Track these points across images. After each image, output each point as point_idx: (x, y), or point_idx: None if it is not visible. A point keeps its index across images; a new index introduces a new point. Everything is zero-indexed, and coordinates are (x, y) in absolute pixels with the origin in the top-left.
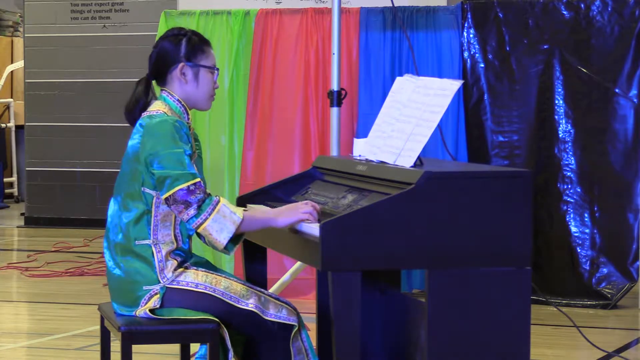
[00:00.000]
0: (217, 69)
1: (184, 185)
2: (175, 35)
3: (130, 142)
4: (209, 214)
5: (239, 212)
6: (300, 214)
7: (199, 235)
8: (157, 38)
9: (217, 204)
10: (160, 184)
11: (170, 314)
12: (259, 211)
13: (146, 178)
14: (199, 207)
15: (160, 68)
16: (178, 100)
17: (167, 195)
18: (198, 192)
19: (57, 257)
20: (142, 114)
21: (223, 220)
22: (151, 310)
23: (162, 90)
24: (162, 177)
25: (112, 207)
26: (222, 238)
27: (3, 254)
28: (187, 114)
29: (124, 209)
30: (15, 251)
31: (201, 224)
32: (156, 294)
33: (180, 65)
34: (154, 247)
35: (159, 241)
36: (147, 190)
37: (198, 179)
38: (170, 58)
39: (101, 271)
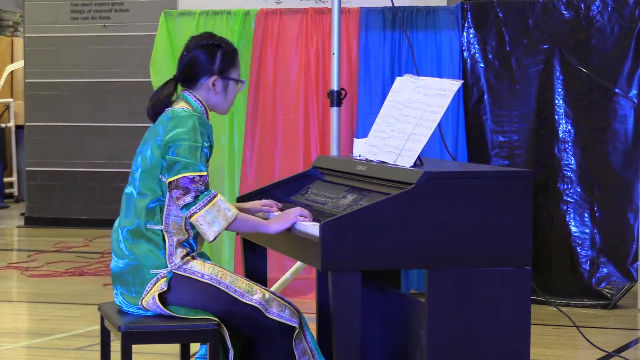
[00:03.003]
0: (243, 81)
1: (190, 174)
2: (211, 45)
3: (156, 140)
4: (204, 205)
5: (234, 210)
6: (292, 218)
7: None
8: (156, 38)
9: (214, 197)
10: (169, 168)
11: (174, 311)
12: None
13: (163, 166)
14: (196, 197)
15: (191, 74)
16: (199, 100)
17: (171, 179)
18: (201, 183)
19: (57, 257)
20: (166, 109)
21: (216, 214)
22: (159, 295)
23: (184, 89)
24: (172, 162)
25: (126, 198)
26: (212, 231)
27: (3, 254)
28: (207, 115)
29: (140, 195)
30: (15, 251)
31: (195, 212)
32: (163, 277)
33: (214, 78)
34: (165, 232)
35: (171, 228)
36: (163, 179)
37: (205, 173)
38: (204, 68)
39: (101, 271)
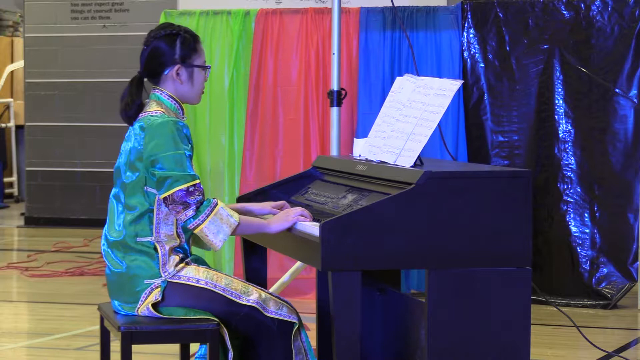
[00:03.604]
0: (209, 67)
1: (184, 186)
2: (169, 35)
3: (130, 145)
4: (207, 216)
5: (236, 215)
6: (292, 218)
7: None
8: None
9: (215, 206)
10: (160, 184)
11: (171, 314)
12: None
13: (148, 178)
14: (197, 209)
15: (154, 67)
16: (171, 97)
17: (165, 195)
18: (197, 193)
19: (57, 257)
20: (140, 115)
21: (220, 223)
22: (153, 305)
23: (153, 88)
24: (162, 178)
25: (113, 205)
26: (218, 240)
27: (3, 254)
28: (182, 110)
29: (126, 208)
30: (15, 251)
31: (198, 225)
32: (157, 287)
33: (177, 67)
34: (156, 242)
35: (162, 237)
36: (150, 189)
37: (197, 181)
38: (165, 59)
39: (101, 271)
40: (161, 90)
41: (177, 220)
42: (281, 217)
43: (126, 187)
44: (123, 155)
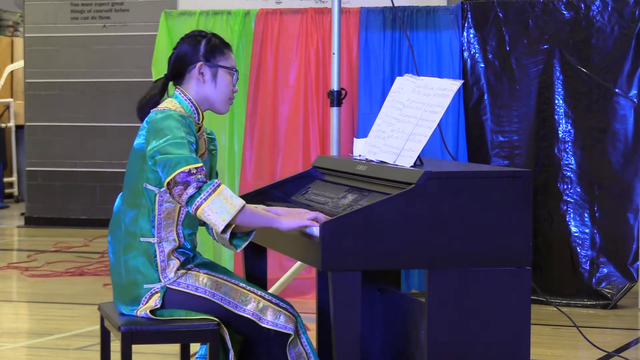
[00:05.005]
0: (237, 71)
1: (185, 168)
2: (195, 36)
3: (136, 141)
4: (209, 194)
5: (241, 200)
6: (306, 220)
7: (207, 229)
8: (157, 38)
9: (218, 186)
10: (162, 168)
11: (171, 314)
12: (262, 209)
13: (149, 174)
14: (199, 188)
15: (178, 68)
16: (190, 99)
17: (168, 179)
18: (199, 175)
19: (57, 257)
20: (151, 110)
21: (223, 202)
22: (152, 311)
23: (176, 88)
24: (163, 161)
25: (118, 203)
26: (221, 220)
27: (3, 254)
28: (198, 115)
29: (127, 206)
30: (15, 251)
31: (200, 204)
32: (157, 292)
33: (199, 64)
34: (157, 245)
35: (162, 239)
36: (150, 187)
37: (200, 164)
38: (189, 58)
39: (101, 271)
40: (181, 91)
41: (177, 219)
42: (294, 214)
43: (129, 184)
44: (131, 155)
